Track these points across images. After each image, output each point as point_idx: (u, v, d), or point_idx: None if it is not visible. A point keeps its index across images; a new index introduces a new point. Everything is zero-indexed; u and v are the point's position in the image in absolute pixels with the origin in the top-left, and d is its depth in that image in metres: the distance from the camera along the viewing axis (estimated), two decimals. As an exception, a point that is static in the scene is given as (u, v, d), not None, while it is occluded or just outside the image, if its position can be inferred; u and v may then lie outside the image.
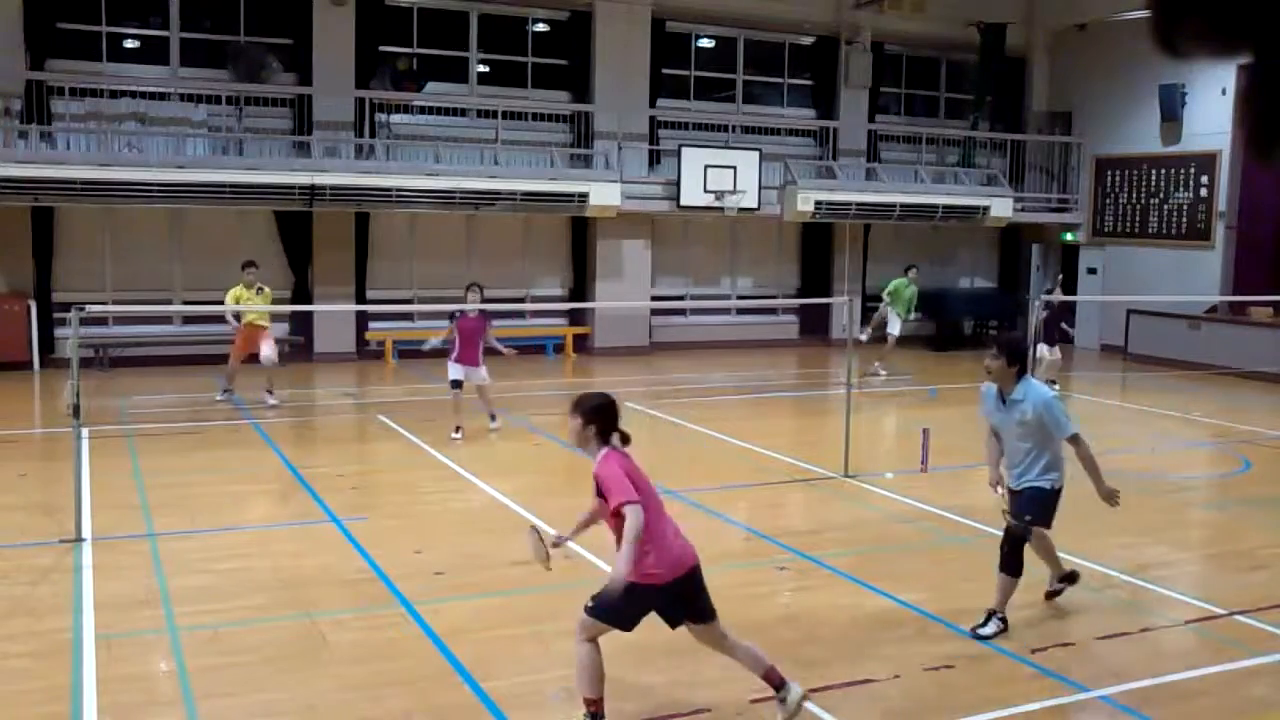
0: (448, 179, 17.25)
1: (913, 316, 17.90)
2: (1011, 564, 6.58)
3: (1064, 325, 15.99)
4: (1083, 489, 6.68)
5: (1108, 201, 21.82)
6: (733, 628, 5.41)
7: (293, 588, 7.23)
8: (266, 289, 14.11)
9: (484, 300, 12.45)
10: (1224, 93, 19.06)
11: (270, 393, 13.84)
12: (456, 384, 12.09)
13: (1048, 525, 6.70)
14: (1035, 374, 15.01)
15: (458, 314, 12.19)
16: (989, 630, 6.44)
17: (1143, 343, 20.08)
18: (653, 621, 6.73)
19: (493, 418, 12.39)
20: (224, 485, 10.03)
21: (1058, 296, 15.77)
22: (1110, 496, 6.64)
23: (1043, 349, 15.22)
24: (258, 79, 17.41)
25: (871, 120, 21.65)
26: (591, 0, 19.18)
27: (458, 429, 12.03)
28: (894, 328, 17.39)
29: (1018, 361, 6.59)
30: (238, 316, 13.87)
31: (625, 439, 5.32)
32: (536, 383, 16.65)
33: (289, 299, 17.73)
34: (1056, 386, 15.30)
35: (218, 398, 13.97)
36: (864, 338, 17.34)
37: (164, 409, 13.76)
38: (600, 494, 5.22)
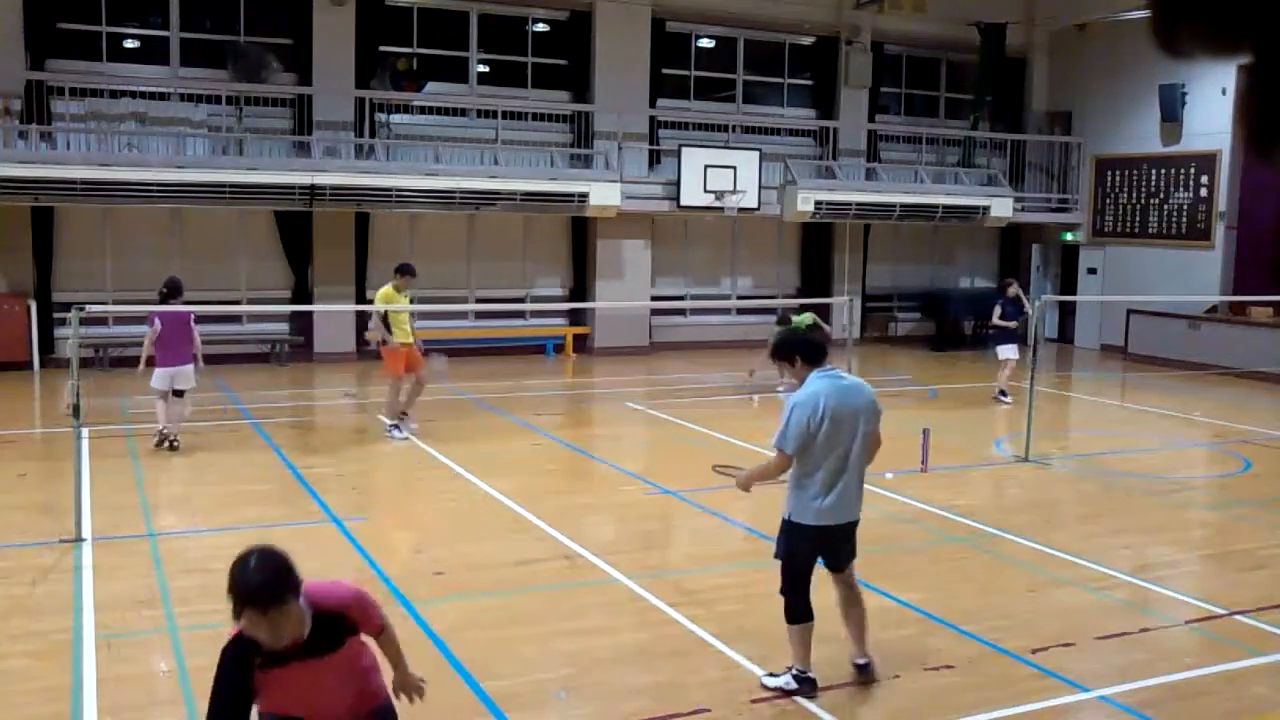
0: (448, 179, 17.24)
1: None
2: (795, 611, 5.65)
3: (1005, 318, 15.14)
4: (1082, 489, 6.67)
5: (1108, 201, 21.82)
6: None
7: (293, 588, 7.22)
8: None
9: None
10: (1224, 93, 19.05)
11: (401, 419, 12.15)
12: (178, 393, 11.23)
13: (793, 571, 5.65)
14: (998, 378, 14.94)
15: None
16: (777, 682, 5.66)
17: (1143, 343, 20.08)
18: (653, 622, 6.74)
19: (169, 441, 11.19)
20: (224, 485, 10.03)
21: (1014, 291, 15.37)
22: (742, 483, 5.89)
23: (1006, 351, 14.94)
24: (258, 79, 17.41)
25: (871, 120, 21.65)
26: (591, 0, 19.19)
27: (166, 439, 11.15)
28: None
29: (795, 352, 5.71)
30: (387, 326, 12.04)
31: None
32: (536, 383, 16.66)
33: (289, 299, 17.74)
34: (1008, 399, 14.95)
35: (398, 436, 11.97)
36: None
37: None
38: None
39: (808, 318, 15.95)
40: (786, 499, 5.62)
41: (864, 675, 5.75)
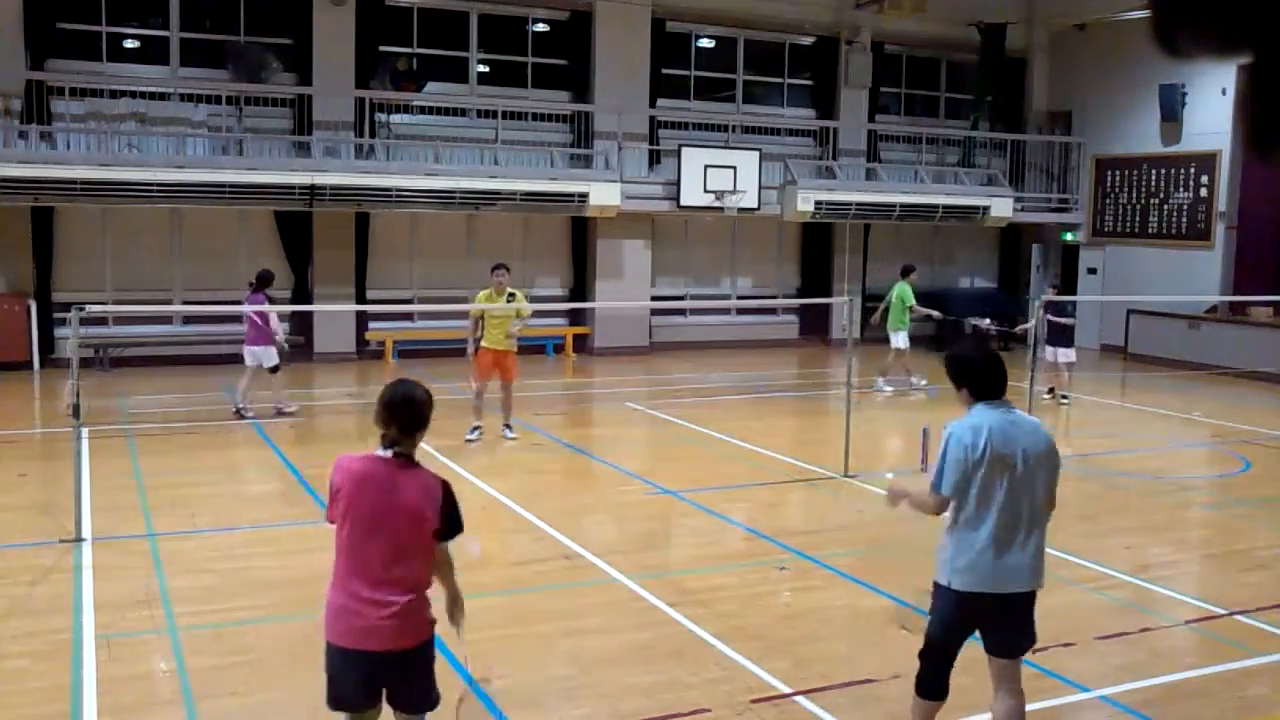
0: (448, 179, 17.25)
1: (900, 324, 16.01)
2: (924, 683, 4.79)
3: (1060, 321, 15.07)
4: (1082, 488, 6.66)
5: (1108, 201, 21.82)
6: None
7: (293, 588, 7.22)
8: (520, 295, 12.09)
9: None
10: (1224, 93, 19.06)
11: (508, 427, 12.17)
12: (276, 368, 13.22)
13: (932, 640, 4.76)
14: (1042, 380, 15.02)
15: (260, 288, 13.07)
16: None
17: (1143, 343, 20.08)
18: (653, 622, 6.74)
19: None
20: (224, 485, 10.04)
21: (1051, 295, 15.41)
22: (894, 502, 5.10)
23: (1052, 353, 15.04)
24: (258, 79, 17.41)
25: (871, 120, 21.65)
26: (591, 0, 19.19)
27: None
28: (903, 341, 15.98)
29: (964, 382, 4.69)
30: (477, 332, 11.97)
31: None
32: (536, 383, 16.65)
33: (289, 299, 17.74)
34: (1066, 400, 15.17)
35: (469, 437, 11.86)
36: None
37: (164, 409, 13.75)
38: None
39: (903, 289, 15.91)
40: (937, 553, 4.74)
41: None
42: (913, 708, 4.85)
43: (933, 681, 4.75)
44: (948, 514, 4.66)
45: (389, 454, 4.10)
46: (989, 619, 4.62)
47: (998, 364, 4.67)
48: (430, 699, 4.16)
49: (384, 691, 4.10)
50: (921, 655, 4.79)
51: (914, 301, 16.09)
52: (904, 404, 15.61)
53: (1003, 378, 4.65)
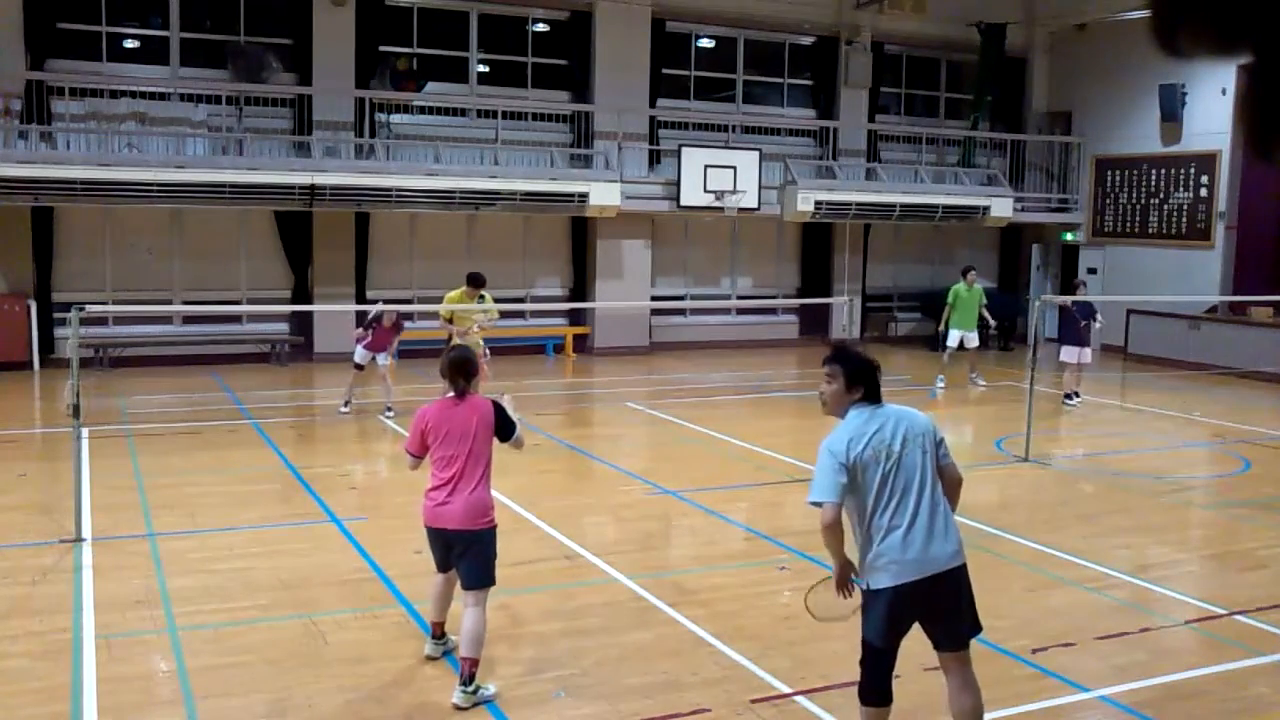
0: (448, 179, 17.24)
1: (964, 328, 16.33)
2: (868, 690, 4.67)
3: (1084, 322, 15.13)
4: (1082, 489, 6.65)
5: (1108, 201, 21.82)
6: (478, 603, 5.62)
7: (293, 588, 7.23)
8: (489, 297, 13.18)
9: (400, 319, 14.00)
10: (1224, 93, 19.06)
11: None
12: (360, 366, 13.65)
13: (869, 645, 4.59)
14: (1065, 381, 15.10)
15: (373, 324, 13.49)
16: None
17: (1143, 343, 20.08)
18: (653, 622, 6.75)
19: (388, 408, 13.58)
20: (224, 485, 10.03)
21: (1082, 296, 15.45)
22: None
23: (1071, 352, 15.09)
24: (258, 79, 17.41)
25: (871, 120, 21.66)
26: (591, 0, 19.19)
27: (348, 404, 13.64)
28: (951, 339, 16.36)
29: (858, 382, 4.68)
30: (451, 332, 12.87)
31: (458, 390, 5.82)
32: (536, 383, 16.66)
33: (289, 299, 17.74)
34: (1077, 399, 15.20)
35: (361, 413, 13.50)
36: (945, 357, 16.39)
37: (164, 409, 13.76)
38: None
39: (965, 290, 16.17)
40: (863, 559, 4.59)
41: None
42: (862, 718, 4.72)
43: (871, 685, 4.65)
44: (853, 521, 4.60)
45: (457, 395, 5.80)
46: (920, 609, 4.55)
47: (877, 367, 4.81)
48: (487, 578, 5.65)
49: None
50: (861, 663, 4.67)
51: (952, 301, 16.39)
52: (903, 404, 15.60)
53: (872, 374, 4.75)
